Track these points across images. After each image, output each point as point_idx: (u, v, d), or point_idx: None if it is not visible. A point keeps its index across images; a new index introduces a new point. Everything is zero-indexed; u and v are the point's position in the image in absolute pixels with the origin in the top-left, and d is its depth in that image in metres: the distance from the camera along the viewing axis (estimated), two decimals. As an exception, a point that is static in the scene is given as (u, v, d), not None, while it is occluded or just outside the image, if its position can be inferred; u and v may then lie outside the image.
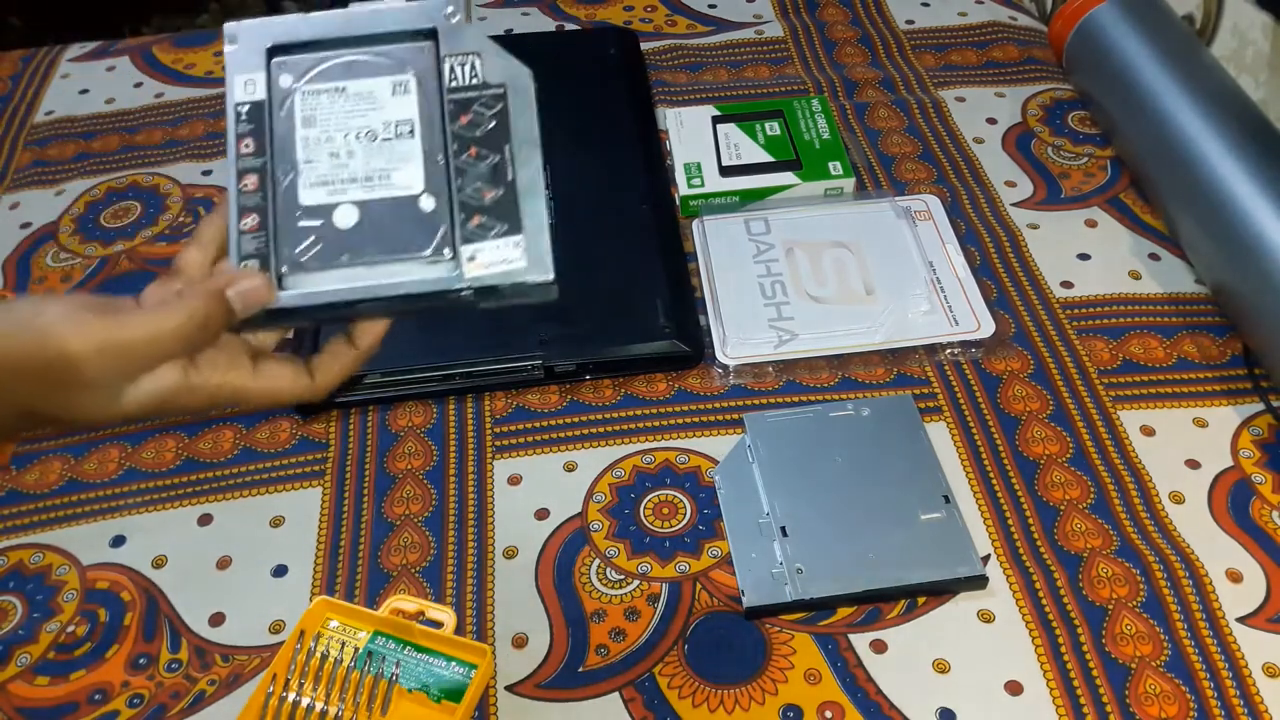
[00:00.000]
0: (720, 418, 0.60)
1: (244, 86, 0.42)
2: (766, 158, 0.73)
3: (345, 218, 0.40)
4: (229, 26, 0.41)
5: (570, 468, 0.58)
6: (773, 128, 0.75)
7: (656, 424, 0.60)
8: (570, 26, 0.90)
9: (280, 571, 0.55)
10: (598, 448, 0.59)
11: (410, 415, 0.61)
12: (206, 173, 0.78)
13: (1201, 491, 0.56)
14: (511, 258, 0.39)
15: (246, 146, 0.41)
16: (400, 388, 0.61)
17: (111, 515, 0.57)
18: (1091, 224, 0.71)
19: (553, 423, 0.61)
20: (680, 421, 0.60)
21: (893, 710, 0.48)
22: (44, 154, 0.80)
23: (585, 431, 0.60)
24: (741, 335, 0.63)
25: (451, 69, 0.41)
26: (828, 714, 0.48)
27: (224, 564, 0.55)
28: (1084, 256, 0.69)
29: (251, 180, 0.41)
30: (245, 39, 0.41)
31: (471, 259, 0.39)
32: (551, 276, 0.39)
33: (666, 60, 0.85)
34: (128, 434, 0.61)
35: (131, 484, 0.58)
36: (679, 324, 0.62)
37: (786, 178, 0.72)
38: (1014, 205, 0.72)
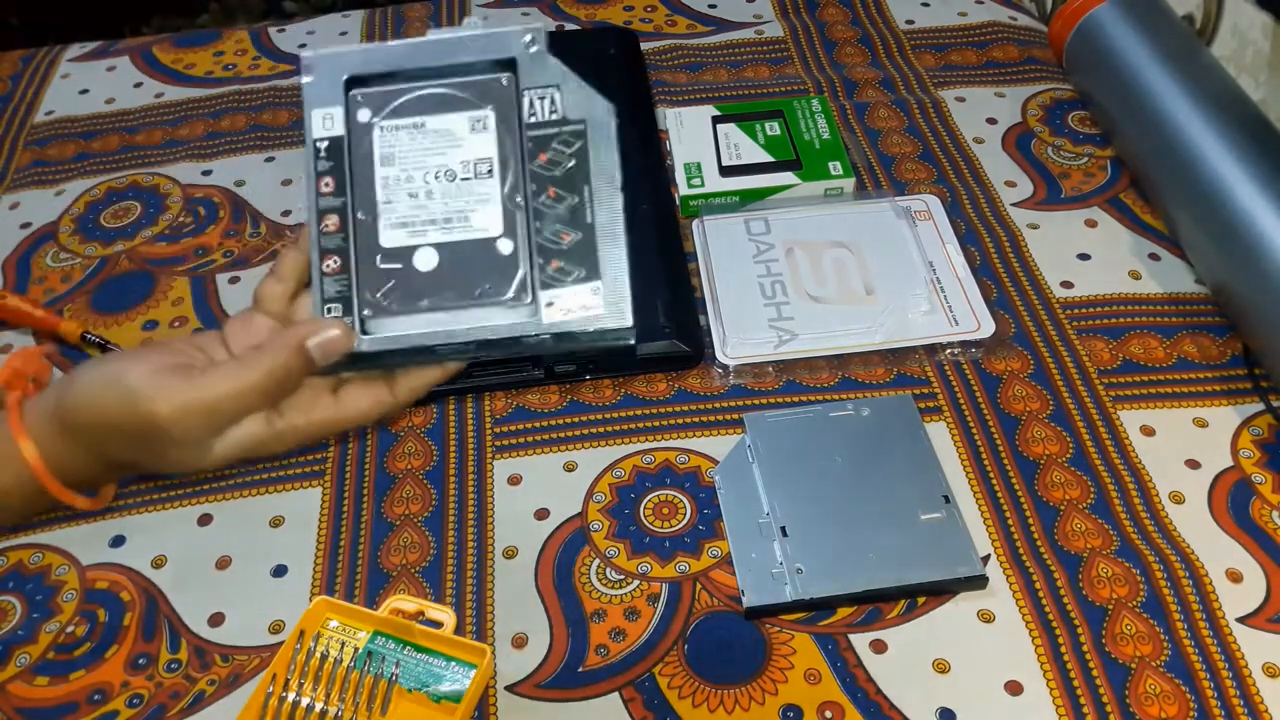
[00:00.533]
0: (720, 418, 0.60)
1: (322, 122, 0.40)
2: (766, 158, 0.73)
3: (425, 261, 0.39)
4: (306, 57, 0.40)
5: (570, 468, 0.58)
6: (773, 128, 0.75)
7: (656, 424, 0.60)
8: (570, 26, 0.90)
9: (280, 571, 0.55)
10: (598, 448, 0.59)
11: (410, 415, 0.61)
12: (206, 173, 0.78)
13: (1201, 491, 0.56)
14: (590, 305, 0.38)
15: (326, 185, 0.40)
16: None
17: (111, 515, 0.57)
18: (1091, 224, 0.71)
19: (553, 423, 0.61)
20: (680, 421, 0.60)
21: (893, 710, 0.48)
22: (44, 154, 0.80)
23: (585, 431, 0.60)
24: (741, 335, 0.63)
25: (531, 103, 0.39)
26: (828, 714, 0.48)
27: (224, 564, 0.55)
28: (1084, 256, 0.69)
29: (332, 221, 0.40)
30: (321, 70, 0.40)
31: (550, 305, 0.38)
32: (630, 323, 0.38)
33: (666, 60, 0.85)
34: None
35: (131, 484, 0.58)
36: (679, 324, 0.62)
37: (786, 178, 0.72)
38: (1014, 205, 0.72)
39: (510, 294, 0.39)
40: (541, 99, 0.39)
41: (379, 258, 0.40)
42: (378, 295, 0.39)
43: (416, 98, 0.40)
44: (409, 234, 0.39)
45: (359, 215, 0.40)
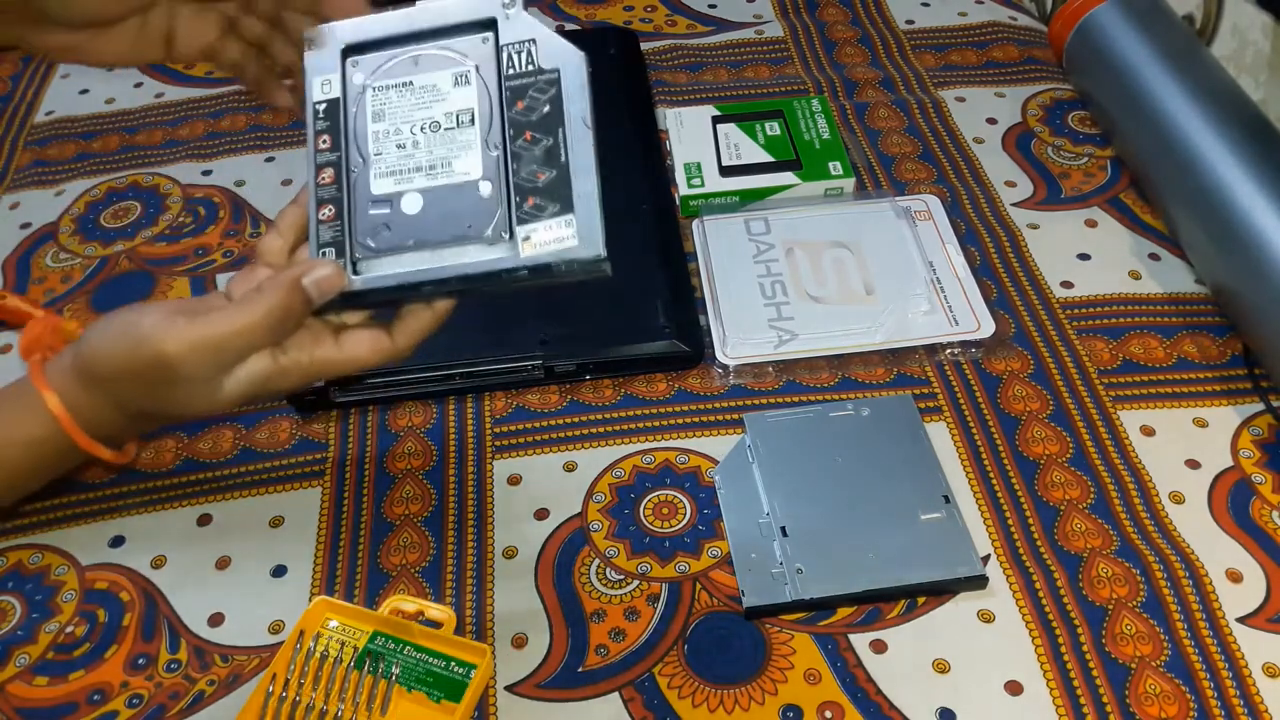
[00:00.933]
0: (720, 418, 0.60)
1: (321, 86, 0.44)
2: (766, 158, 0.73)
3: (411, 205, 0.42)
4: (308, 31, 0.44)
5: (570, 468, 0.58)
6: (773, 128, 0.75)
7: (656, 424, 0.60)
8: (570, 26, 0.90)
9: (280, 571, 0.54)
10: (598, 448, 0.59)
11: (410, 415, 0.61)
12: (206, 173, 0.78)
13: (1201, 491, 0.56)
14: (564, 236, 0.40)
15: (324, 142, 0.44)
16: (400, 388, 0.61)
17: (110, 515, 0.57)
18: (1091, 224, 0.71)
19: (553, 423, 0.60)
20: (680, 421, 0.60)
21: (893, 710, 0.48)
22: (44, 154, 0.80)
23: (585, 431, 0.60)
24: (741, 335, 0.63)
25: (509, 57, 0.42)
26: (827, 714, 0.48)
27: (223, 564, 0.55)
28: (1084, 256, 0.69)
29: (328, 174, 0.43)
30: (321, 41, 0.44)
31: (527, 239, 0.41)
32: (603, 252, 0.40)
33: (666, 60, 0.85)
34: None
35: (130, 484, 0.58)
36: (679, 324, 0.62)
37: (786, 178, 0.72)
38: (1014, 205, 0.72)
39: (490, 231, 0.41)
40: (519, 53, 0.42)
41: (370, 204, 0.43)
42: (367, 239, 0.42)
43: (405, 59, 0.43)
44: (396, 181, 0.43)
45: (352, 168, 0.43)
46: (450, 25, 0.43)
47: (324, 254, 0.43)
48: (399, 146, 0.43)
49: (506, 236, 0.41)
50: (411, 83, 0.43)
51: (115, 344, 0.40)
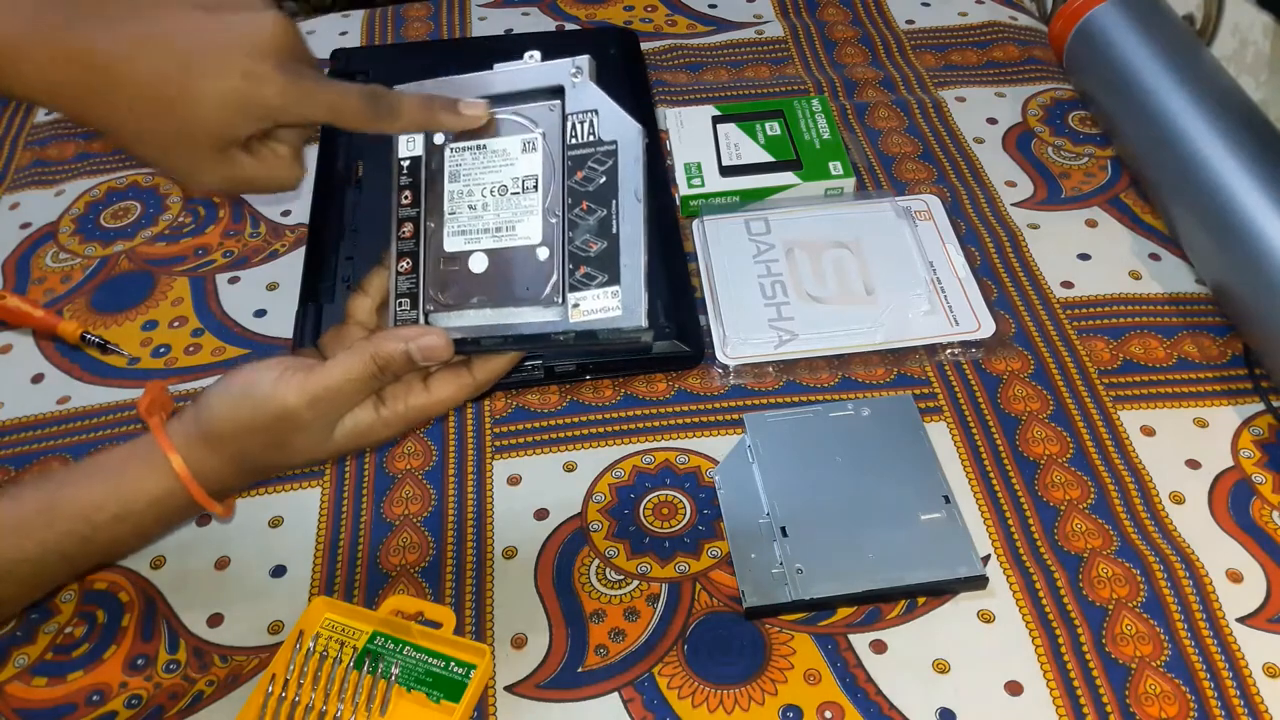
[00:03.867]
0: (720, 418, 0.60)
1: (406, 144, 0.47)
2: (767, 158, 0.73)
3: (478, 264, 0.45)
4: (399, 87, 0.46)
5: (570, 468, 0.58)
6: (773, 128, 0.75)
7: (656, 424, 0.60)
8: (570, 26, 0.90)
9: (279, 572, 0.54)
10: (597, 448, 0.59)
11: (409, 415, 0.61)
12: (206, 173, 0.78)
13: (1202, 492, 0.56)
14: (610, 307, 0.43)
15: (405, 198, 0.47)
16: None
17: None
18: (1092, 224, 0.71)
19: (552, 423, 0.60)
20: (680, 422, 0.60)
21: (892, 710, 0.48)
22: (44, 154, 0.80)
23: (585, 432, 0.60)
24: (742, 335, 0.63)
25: (573, 127, 0.45)
26: (827, 714, 0.48)
27: (222, 564, 0.55)
28: (1084, 256, 0.69)
29: (409, 228, 0.46)
30: None
31: (576, 306, 0.44)
32: (644, 323, 0.43)
33: (667, 60, 0.85)
34: (125, 436, 0.61)
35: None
36: (679, 324, 0.62)
37: (787, 178, 0.72)
38: (1014, 205, 0.72)
39: (544, 295, 0.44)
40: (582, 123, 0.45)
41: (442, 261, 0.46)
42: (438, 293, 0.46)
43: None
44: (466, 240, 0.46)
45: (429, 224, 0.46)
46: (522, 90, 0.45)
47: (400, 304, 0.46)
48: (470, 207, 0.46)
49: (559, 301, 0.44)
50: (485, 146, 0.46)
51: (238, 404, 0.44)
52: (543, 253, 0.44)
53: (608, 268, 0.43)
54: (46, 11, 0.40)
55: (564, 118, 0.45)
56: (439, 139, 0.46)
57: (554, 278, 0.44)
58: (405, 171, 0.47)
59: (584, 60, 0.45)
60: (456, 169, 0.46)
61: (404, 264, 0.46)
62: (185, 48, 0.41)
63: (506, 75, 0.46)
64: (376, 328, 0.48)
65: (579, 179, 0.44)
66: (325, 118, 0.43)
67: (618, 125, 0.44)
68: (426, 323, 0.46)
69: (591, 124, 0.44)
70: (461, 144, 0.46)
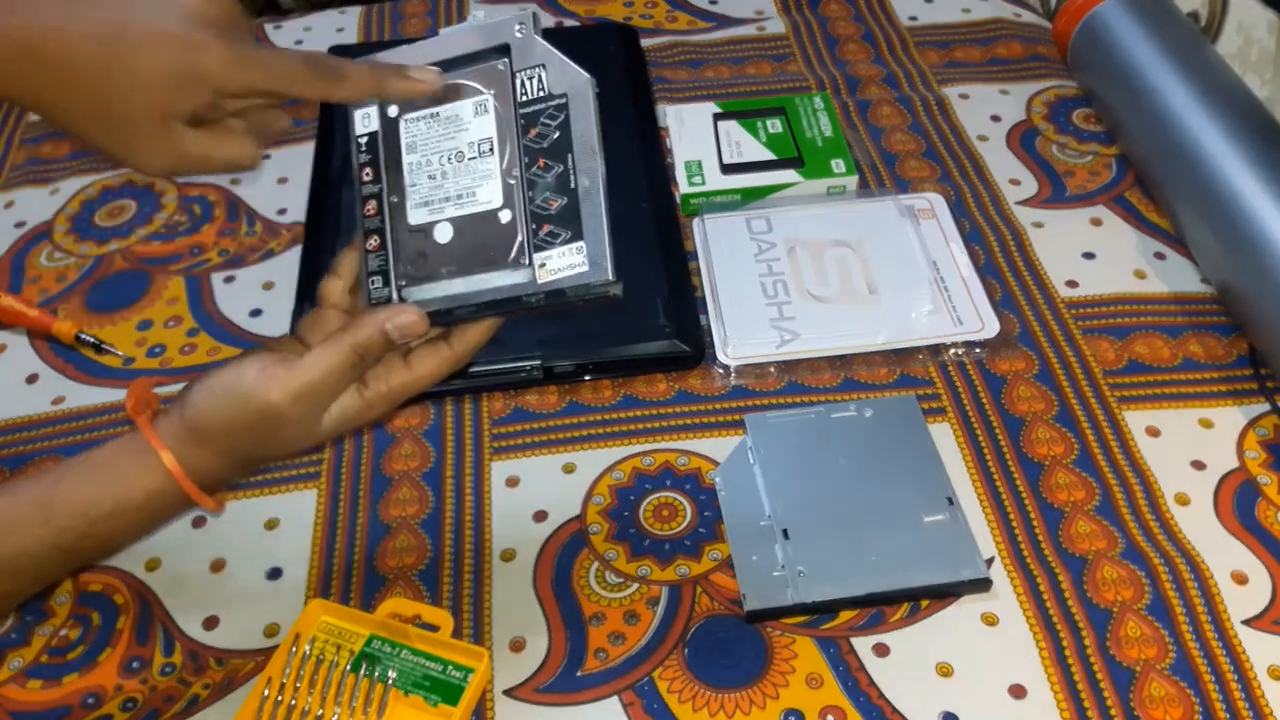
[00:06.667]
0: (721, 419, 0.60)
1: (362, 121, 0.46)
2: (768, 155, 0.73)
3: (443, 234, 0.45)
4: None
5: (569, 469, 0.58)
6: (774, 125, 0.75)
7: (656, 425, 0.60)
8: (570, 23, 0.89)
9: (275, 574, 0.54)
10: (597, 449, 0.59)
11: (407, 416, 0.61)
12: (203, 170, 0.77)
13: (1207, 493, 0.56)
14: (576, 263, 0.42)
15: (367, 175, 0.46)
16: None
17: (105, 517, 0.56)
18: (1096, 222, 0.70)
19: (552, 424, 0.60)
20: (681, 423, 0.60)
21: (895, 714, 0.48)
22: (38, 152, 0.80)
23: (584, 433, 0.59)
24: (743, 335, 0.62)
25: (522, 84, 0.44)
26: (830, 718, 0.48)
27: (218, 567, 0.54)
28: (1089, 255, 0.68)
29: (372, 205, 0.46)
30: None
31: (542, 266, 0.43)
32: (611, 276, 0.42)
33: (667, 57, 0.85)
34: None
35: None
36: (679, 324, 0.62)
37: (788, 175, 0.71)
38: (1018, 203, 0.72)
39: (510, 258, 0.44)
40: (530, 78, 0.44)
41: (408, 234, 0.45)
42: (409, 266, 0.45)
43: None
44: (429, 211, 0.45)
45: (392, 199, 0.46)
46: (470, 54, 0.45)
47: (373, 281, 0.45)
48: (430, 177, 0.45)
49: (525, 262, 0.43)
50: (438, 113, 0.45)
51: (223, 403, 0.43)
52: (505, 215, 0.44)
53: (570, 224, 0.43)
54: None
55: (512, 75, 0.44)
56: (393, 111, 0.46)
57: (519, 239, 0.43)
58: (364, 149, 0.46)
59: (527, 14, 0.44)
60: (413, 140, 0.45)
61: (372, 241, 0.46)
62: (117, 18, 0.40)
63: (453, 38, 0.45)
64: (351, 309, 0.47)
65: (533, 136, 0.43)
66: (269, 84, 0.42)
67: (567, 77, 0.43)
68: (400, 298, 0.45)
69: (540, 79, 0.43)
70: (415, 114, 0.45)
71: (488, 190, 0.44)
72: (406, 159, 0.45)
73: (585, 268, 0.42)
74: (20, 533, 0.44)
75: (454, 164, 0.45)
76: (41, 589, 0.50)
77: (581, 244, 0.42)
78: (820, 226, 0.69)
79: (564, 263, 0.43)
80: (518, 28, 0.44)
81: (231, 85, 0.41)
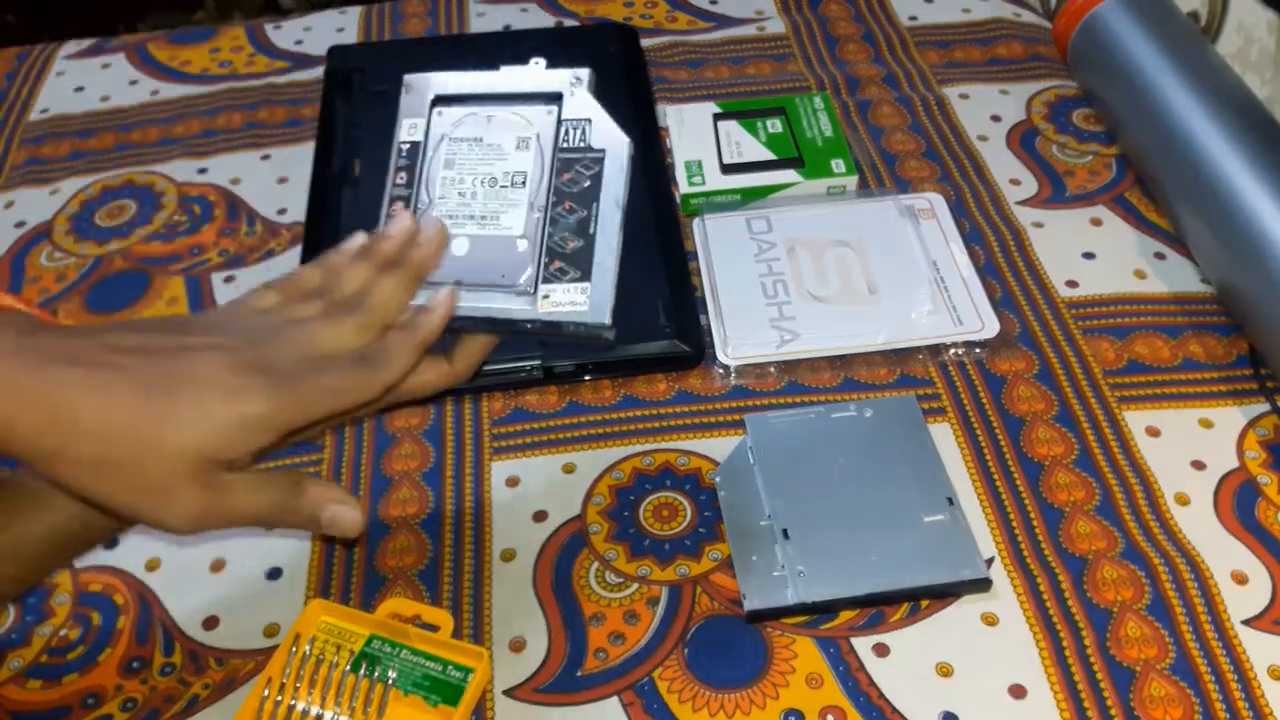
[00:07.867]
0: (721, 419, 0.60)
1: (408, 129, 0.50)
2: (768, 155, 0.73)
3: (459, 247, 0.47)
4: (407, 77, 0.50)
5: (569, 469, 0.58)
6: (774, 125, 0.75)
7: (656, 425, 0.60)
8: (569, 22, 0.89)
9: (274, 574, 0.54)
10: (597, 449, 0.59)
11: (407, 416, 0.61)
12: (202, 171, 0.77)
13: (1207, 493, 0.56)
14: (578, 302, 0.45)
15: (400, 179, 0.49)
16: (397, 388, 0.61)
17: (105, 517, 0.56)
18: (1096, 222, 0.70)
19: (551, 424, 0.60)
20: (680, 423, 0.60)
21: (895, 714, 0.48)
22: (38, 152, 0.80)
23: (584, 433, 0.59)
24: (743, 335, 0.62)
25: (566, 131, 0.47)
26: (830, 718, 0.48)
27: (217, 566, 0.54)
28: (1089, 255, 0.68)
29: (399, 206, 0.49)
30: (417, 88, 0.50)
31: (546, 297, 0.46)
32: (608, 321, 0.45)
33: (667, 56, 0.85)
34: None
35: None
36: (679, 324, 0.62)
37: (788, 175, 0.71)
38: (1018, 203, 0.72)
39: (519, 284, 0.46)
40: (575, 129, 0.47)
41: None
42: None
43: (482, 117, 0.49)
44: (451, 224, 0.48)
45: (419, 205, 0.48)
46: (524, 93, 0.48)
47: None
48: (460, 194, 0.48)
49: (531, 291, 0.46)
50: (482, 139, 0.48)
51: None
52: (522, 244, 0.47)
53: (581, 265, 0.46)
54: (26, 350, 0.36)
55: (559, 122, 0.47)
56: (440, 128, 0.49)
57: (529, 269, 0.46)
58: (404, 155, 0.49)
59: (584, 72, 0.48)
60: (452, 157, 0.48)
61: None
62: (152, 382, 0.37)
63: (513, 77, 0.49)
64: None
65: (565, 180, 0.47)
66: (329, 404, 0.41)
67: (608, 136, 0.47)
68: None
69: (584, 131, 0.47)
70: (460, 135, 0.49)
71: (511, 217, 0.47)
72: (443, 173, 0.48)
73: (585, 308, 0.45)
74: (31, 520, 0.45)
75: (486, 188, 0.48)
76: (46, 576, 0.51)
77: (587, 285, 0.45)
78: (820, 226, 0.69)
79: (567, 299, 0.45)
80: (573, 81, 0.47)
81: (291, 421, 0.40)
